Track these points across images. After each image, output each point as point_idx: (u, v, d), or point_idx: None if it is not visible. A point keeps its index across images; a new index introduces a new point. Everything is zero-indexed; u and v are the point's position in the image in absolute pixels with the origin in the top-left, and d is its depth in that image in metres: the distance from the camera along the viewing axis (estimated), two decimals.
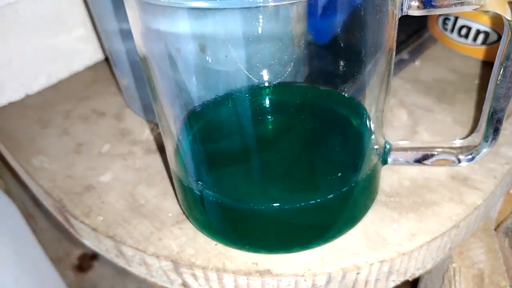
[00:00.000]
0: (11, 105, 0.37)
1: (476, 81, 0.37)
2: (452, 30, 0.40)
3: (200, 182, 0.22)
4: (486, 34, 0.38)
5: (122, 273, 0.67)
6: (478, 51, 0.39)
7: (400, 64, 0.40)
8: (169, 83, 0.23)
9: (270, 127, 0.24)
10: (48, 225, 0.61)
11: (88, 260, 0.63)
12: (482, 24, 0.37)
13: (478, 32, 0.38)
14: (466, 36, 0.39)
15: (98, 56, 0.42)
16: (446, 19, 0.40)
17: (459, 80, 0.37)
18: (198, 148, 0.24)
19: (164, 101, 0.23)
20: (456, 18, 0.39)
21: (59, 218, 0.30)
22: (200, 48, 0.23)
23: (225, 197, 0.22)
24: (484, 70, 0.38)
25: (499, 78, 0.22)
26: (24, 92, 0.38)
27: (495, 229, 0.32)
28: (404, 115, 0.34)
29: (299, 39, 0.27)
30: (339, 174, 0.22)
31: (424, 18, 0.44)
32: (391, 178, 0.28)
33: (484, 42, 0.38)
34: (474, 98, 0.35)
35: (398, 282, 0.26)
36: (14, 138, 0.34)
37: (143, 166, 0.30)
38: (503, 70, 0.22)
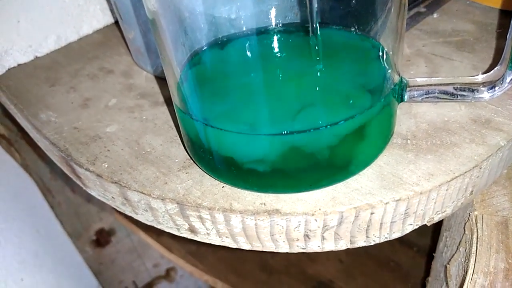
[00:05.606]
0: (20, 66, 0.37)
1: (498, 30, 0.35)
2: None
3: (205, 113, 0.21)
4: None
5: (140, 248, 0.67)
6: (499, 0, 0.37)
7: (417, 17, 0.38)
8: (174, 25, 0.22)
9: (279, 57, 0.23)
10: (66, 200, 0.61)
11: (105, 235, 0.63)
12: None
13: None
14: None
15: (107, 19, 0.42)
16: None
17: (479, 29, 0.35)
18: (203, 78, 0.23)
19: (168, 40, 0.22)
20: None
21: (65, 169, 0.29)
22: None
23: (231, 127, 0.21)
24: (505, 20, 0.36)
25: None
26: (33, 54, 0.38)
27: None
28: (422, 63, 0.32)
29: None
30: (350, 102, 0.21)
31: None
32: (408, 121, 0.27)
33: None
34: (495, 47, 0.33)
35: (415, 226, 0.25)
36: (23, 96, 0.34)
37: (150, 117, 0.30)
38: None
